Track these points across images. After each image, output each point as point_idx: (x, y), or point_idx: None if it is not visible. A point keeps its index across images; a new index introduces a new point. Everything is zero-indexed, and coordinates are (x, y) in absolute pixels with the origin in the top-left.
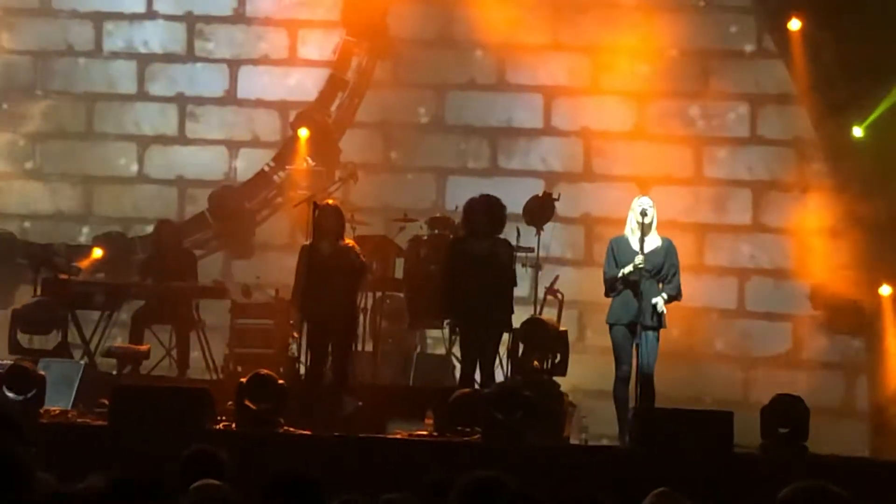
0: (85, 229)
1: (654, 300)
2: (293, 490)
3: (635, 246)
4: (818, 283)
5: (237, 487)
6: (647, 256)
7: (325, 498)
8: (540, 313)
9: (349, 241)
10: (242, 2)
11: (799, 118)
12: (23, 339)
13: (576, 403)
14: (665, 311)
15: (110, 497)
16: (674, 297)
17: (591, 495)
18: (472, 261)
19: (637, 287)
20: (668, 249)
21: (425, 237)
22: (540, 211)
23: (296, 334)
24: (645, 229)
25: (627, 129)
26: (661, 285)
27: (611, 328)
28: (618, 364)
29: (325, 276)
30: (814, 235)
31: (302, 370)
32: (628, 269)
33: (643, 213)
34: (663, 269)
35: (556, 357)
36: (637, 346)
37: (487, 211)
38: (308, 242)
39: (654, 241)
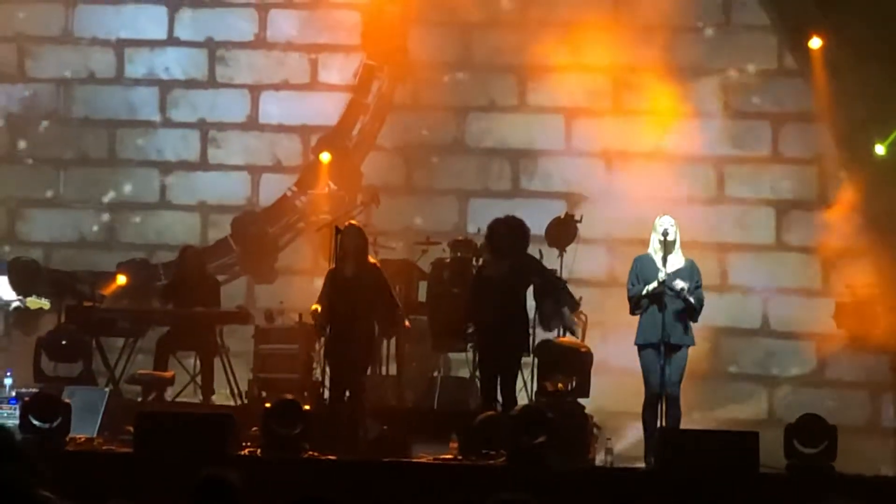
0: (108, 256)
1: (676, 283)
2: None
3: (659, 264)
4: (842, 301)
5: None
6: (670, 276)
7: None
8: (564, 335)
9: (373, 260)
10: (263, 27)
11: (820, 136)
12: (47, 366)
13: (601, 425)
14: (684, 288)
15: None
16: (696, 308)
17: None
18: (492, 282)
19: (661, 302)
20: (691, 269)
21: (448, 260)
22: (562, 232)
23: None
24: (668, 248)
25: (648, 149)
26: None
27: (640, 350)
28: (647, 385)
29: (348, 297)
30: (837, 253)
31: (326, 394)
32: (652, 285)
33: (665, 233)
34: (683, 290)
35: (578, 378)
36: (663, 366)
37: (511, 232)
38: (332, 267)
39: (677, 261)
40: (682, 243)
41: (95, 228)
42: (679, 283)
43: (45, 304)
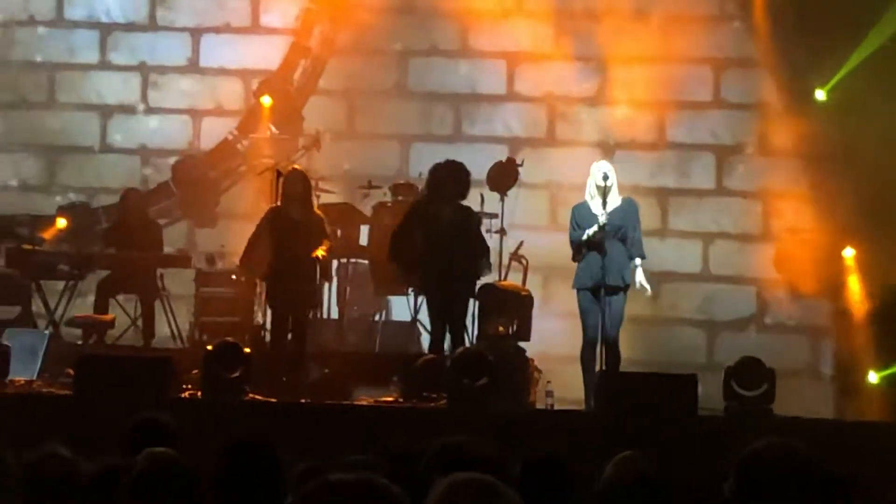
0: (48, 200)
1: (637, 280)
2: (249, 456)
3: (596, 210)
4: (782, 246)
5: (190, 454)
6: (610, 219)
7: (283, 463)
8: (505, 279)
9: (319, 212)
10: None
11: (761, 82)
12: None
13: (542, 368)
14: (643, 280)
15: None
16: (642, 257)
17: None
18: (438, 225)
19: (601, 247)
20: (627, 207)
21: (389, 204)
22: (504, 177)
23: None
24: (606, 193)
25: (590, 94)
26: (625, 245)
27: (577, 293)
28: (584, 329)
29: (293, 243)
30: (777, 198)
31: (267, 338)
32: (592, 229)
33: (605, 177)
34: (622, 228)
35: (519, 322)
36: (603, 310)
37: (453, 176)
38: (276, 204)
39: (615, 202)
40: (622, 188)
41: (35, 172)
42: (640, 278)
43: None
